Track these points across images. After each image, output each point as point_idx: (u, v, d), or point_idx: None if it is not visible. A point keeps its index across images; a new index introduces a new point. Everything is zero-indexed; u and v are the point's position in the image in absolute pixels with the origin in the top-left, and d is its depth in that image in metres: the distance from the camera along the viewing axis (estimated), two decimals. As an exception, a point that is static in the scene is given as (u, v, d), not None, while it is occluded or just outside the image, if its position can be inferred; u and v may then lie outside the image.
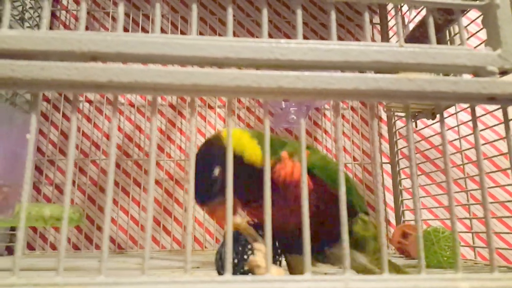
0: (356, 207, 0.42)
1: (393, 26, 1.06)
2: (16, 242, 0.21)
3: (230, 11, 0.25)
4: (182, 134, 1.00)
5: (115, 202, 0.93)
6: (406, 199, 0.96)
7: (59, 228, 0.89)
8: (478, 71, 0.26)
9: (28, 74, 0.22)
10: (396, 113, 0.96)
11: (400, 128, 0.99)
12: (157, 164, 0.97)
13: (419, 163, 0.93)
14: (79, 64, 0.23)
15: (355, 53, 0.25)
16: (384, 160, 1.01)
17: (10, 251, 0.88)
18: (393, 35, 1.05)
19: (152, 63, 0.24)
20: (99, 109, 0.98)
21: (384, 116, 1.05)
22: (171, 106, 1.01)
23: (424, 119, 0.94)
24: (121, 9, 0.25)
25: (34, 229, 0.91)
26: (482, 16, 0.28)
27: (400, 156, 0.98)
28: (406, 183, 0.96)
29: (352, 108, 1.05)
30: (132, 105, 1.00)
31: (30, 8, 0.91)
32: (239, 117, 1.02)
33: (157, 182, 0.96)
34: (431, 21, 0.28)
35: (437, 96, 0.25)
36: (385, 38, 1.05)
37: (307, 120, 1.01)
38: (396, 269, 0.45)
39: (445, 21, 0.58)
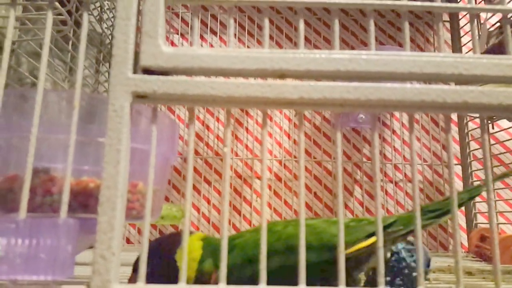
0: None
1: (463, 35, 1.02)
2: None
3: (407, 24, 0.25)
4: (248, 133, 1.01)
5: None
6: (477, 201, 0.93)
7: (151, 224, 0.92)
8: None
9: (226, 92, 0.23)
10: (468, 114, 0.93)
11: (472, 130, 0.96)
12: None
13: (493, 167, 0.89)
14: (271, 81, 0.23)
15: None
16: (454, 162, 0.99)
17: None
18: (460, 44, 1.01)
19: (338, 79, 0.24)
20: (171, 109, 1.01)
21: (454, 116, 1.02)
22: (238, 105, 1.02)
23: (499, 122, 0.91)
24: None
25: (133, 224, 0.94)
26: None
27: (471, 158, 0.95)
28: (479, 185, 0.93)
29: (421, 108, 1.03)
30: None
31: (107, 9, 0.95)
32: (304, 117, 1.02)
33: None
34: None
35: None
36: (457, 46, 1.00)
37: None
38: None
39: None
